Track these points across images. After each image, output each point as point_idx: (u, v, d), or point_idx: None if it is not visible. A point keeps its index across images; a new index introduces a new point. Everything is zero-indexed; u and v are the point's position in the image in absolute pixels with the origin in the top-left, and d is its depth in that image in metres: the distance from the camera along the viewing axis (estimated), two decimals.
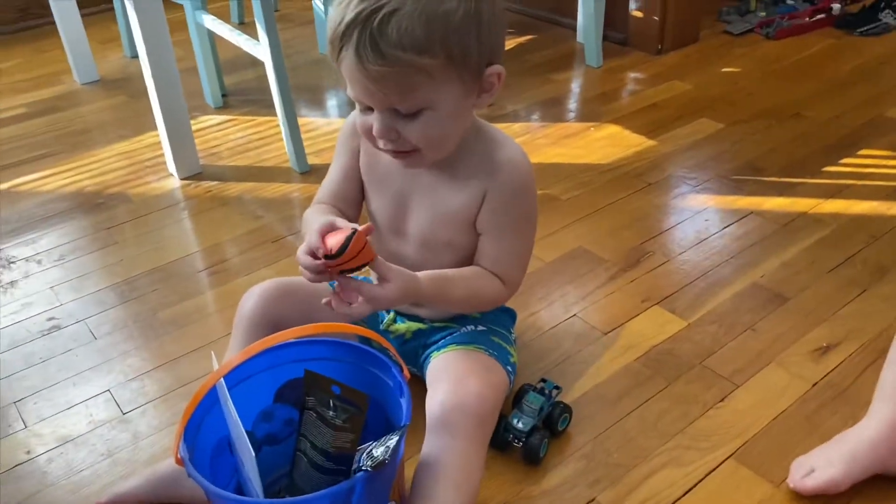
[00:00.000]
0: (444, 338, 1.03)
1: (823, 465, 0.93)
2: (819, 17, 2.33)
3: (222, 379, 0.78)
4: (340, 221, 0.84)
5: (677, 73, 2.09)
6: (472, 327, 1.04)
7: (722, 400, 1.09)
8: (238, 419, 0.80)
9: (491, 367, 0.98)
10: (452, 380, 0.94)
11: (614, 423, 1.06)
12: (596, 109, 1.93)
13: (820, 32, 2.31)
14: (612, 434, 1.05)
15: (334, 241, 0.81)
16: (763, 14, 2.36)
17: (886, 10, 2.33)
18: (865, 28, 2.27)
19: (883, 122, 1.81)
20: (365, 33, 0.78)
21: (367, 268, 0.84)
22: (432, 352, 1.03)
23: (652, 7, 2.17)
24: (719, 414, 1.07)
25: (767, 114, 1.86)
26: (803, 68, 2.10)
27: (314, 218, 0.92)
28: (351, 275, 0.84)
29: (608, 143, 1.77)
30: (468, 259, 0.99)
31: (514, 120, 1.89)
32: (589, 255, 1.40)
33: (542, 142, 1.79)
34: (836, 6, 2.36)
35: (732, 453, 1.00)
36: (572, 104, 2.00)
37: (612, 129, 1.83)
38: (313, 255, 0.84)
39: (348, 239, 0.80)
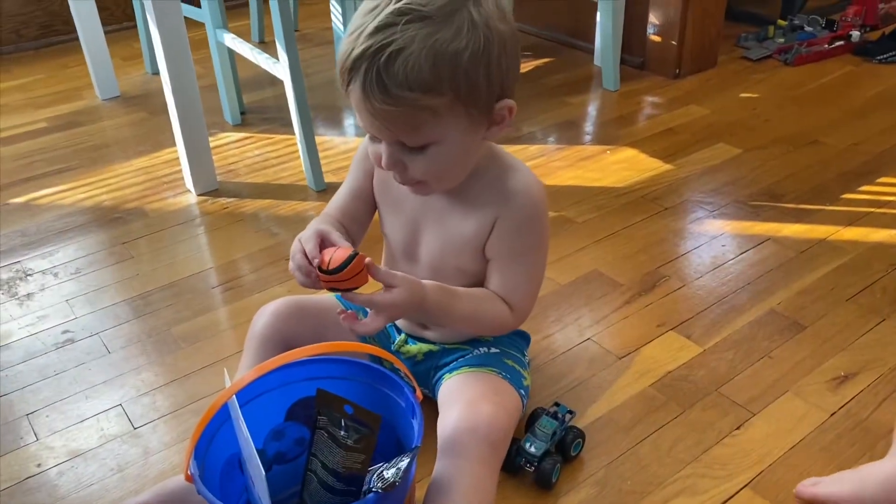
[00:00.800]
0: (456, 360, 1.03)
1: (831, 481, 0.92)
2: (838, 44, 2.33)
3: (234, 396, 0.78)
4: (336, 236, 0.87)
5: (695, 98, 2.09)
6: (485, 349, 1.04)
7: (738, 428, 1.07)
8: (249, 437, 0.79)
9: (504, 390, 0.98)
10: (465, 402, 0.93)
11: (628, 449, 1.05)
12: (612, 133, 1.93)
13: (839, 59, 2.30)
14: (626, 460, 1.03)
15: (335, 256, 0.81)
16: (782, 40, 2.36)
17: None
18: (885, 56, 2.26)
19: None
20: (371, 70, 0.77)
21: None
22: (444, 374, 1.02)
23: (670, 32, 2.17)
24: (735, 442, 1.05)
25: (785, 140, 1.85)
26: (822, 95, 2.09)
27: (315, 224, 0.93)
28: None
29: (624, 166, 1.77)
30: (479, 285, 0.99)
31: (530, 142, 1.90)
32: (604, 279, 1.39)
33: (557, 164, 1.79)
34: (856, 33, 2.35)
35: (748, 482, 0.99)
36: (588, 127, 2.00)
37: (629, 153, 1.82)
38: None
39: (350, 258, 0.81)
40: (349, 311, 0.89)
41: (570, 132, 1.95)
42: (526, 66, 2.32)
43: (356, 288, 0.83)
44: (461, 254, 0.96)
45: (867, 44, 2.34)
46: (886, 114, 1.96)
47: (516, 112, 0.87)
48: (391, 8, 0.78)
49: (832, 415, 1.09)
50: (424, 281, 0.89)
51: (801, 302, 1.31)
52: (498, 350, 1.04)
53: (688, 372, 1.18)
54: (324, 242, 0.87)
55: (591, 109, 2.09)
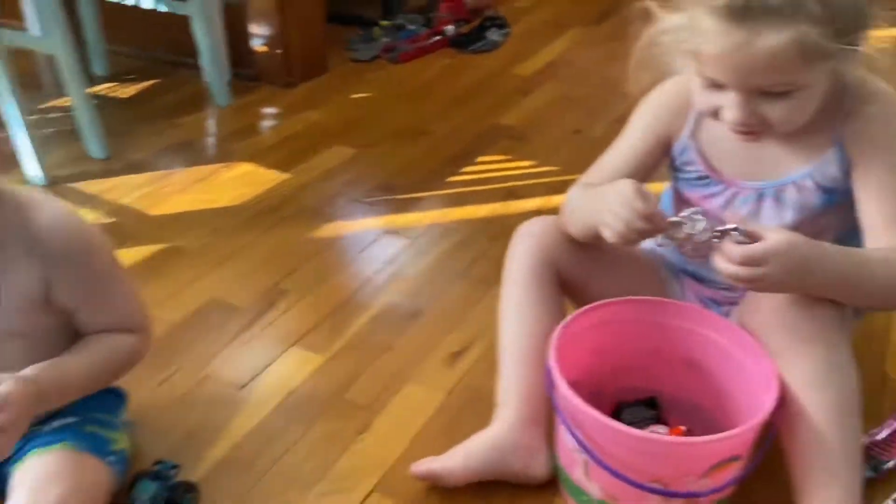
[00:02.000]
0: (22, 446, 0.86)
1: (445, 457, 0.93)
2: (436, 38, 2.48)
3: None
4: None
5: (310, 104, 2.07)
6: (59, 422, 0.88)
7: (362, 432, 1.04)
8: None
9: (81, 464, 0.83)
10: (29, 490, 0.77)
11: (253, 485, 0.97)
12: (227, 149, 1.84)
13: (439, 53, 2.45)
14: (253, 499, 0.95)
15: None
16: (387, 40, 2.45)
17: (492, 28, 2.55)
18: (476, 46, 2.46)
19: (496, 129, 1.95)
20: None
21: None
22: (11, 465, 0.85)
23: (274, 42, 2.14)
24: (360, 448, 1.02)
25: (397, 134, 1.91)
26: (426, 88, 2.21)
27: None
28: None
29: (241, 182, 1.68)
30: (41, 348, 0.84)
31: (138, 171, 1.73)
32: (221, 307, 1.29)
33: (168, 191, 1.65)
34: (450, 28, 2.53)
35: (374, 488, 0.96)
36: (202, 147, 1.88)
37: (246, 168, 1.75)
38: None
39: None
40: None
41: (182, 154, 1.82)
42: (128, 91, 2.13)
43: None
44: (17, 315, 0.83)
45: (461, 36, 2.52)
46: (481, 99, 2.12)
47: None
48: None
49: (450, 393, 1.11)
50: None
51: (418, 287, 1.34)
52: (77, 418, 0.89)
53: (312, 386, 1.13)
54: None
55: (204, 128, 1.98)
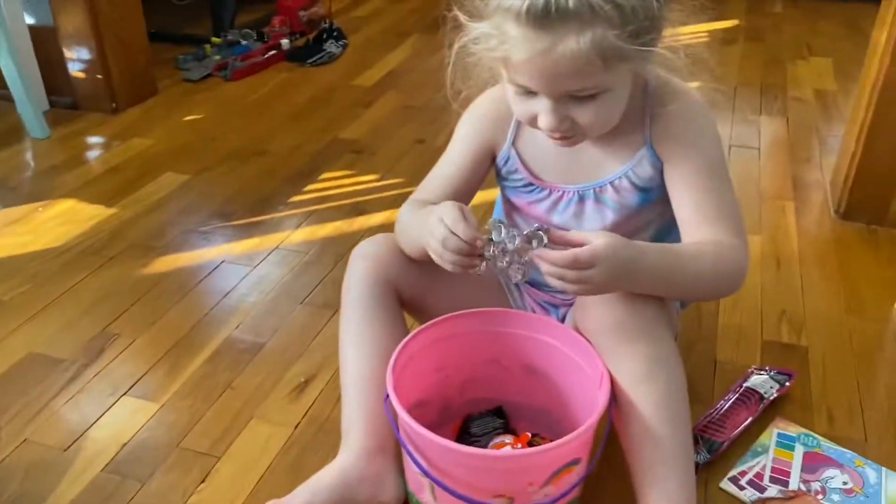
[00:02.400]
0: None
1: (289, 497, 0.88)
2: (271, 53, 2.41)
3: None
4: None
5: (138, 130, 1.96)
6: None
7: (203, 480, 0.98)
8: None
9: None
10: None
11: None
12: (44, 186, 1.70)
13: (275, 68, 2.39)
14: None
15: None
16: (218, 57, 2.36)
17: (329, 40, 2.52)
18: (313, 59, 2.41)
19: (338, 144, 1.91)
20: None
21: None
22: None
23: (93, 67, 2.00)
24: (202, 498, 0.96)
25: (233, 156, 1.84)
26: (263, 104, 2.14)
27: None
28: None
29: (61, 221, 1.56)
30: None
31: None
32: (42, 360, 1.19)
33: None
34: (285, 41, 2.47)
35: None
36: (16, 185, 1.73)
37: (66, 205, 1.62)
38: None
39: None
40: None
41: None
42: None
43: None
44: None
45: (298, 50, 2.47)
46: (321, 113, 2.08)
47: None
48: None
49: (296, 427, 1.07)
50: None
51: (258, 317, 1.29)
52: None
53: (146, 436, 1.05)
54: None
55: (17, 164, 1.82)
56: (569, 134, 0.87)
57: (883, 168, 1.51)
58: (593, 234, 0.81)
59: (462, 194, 1.01)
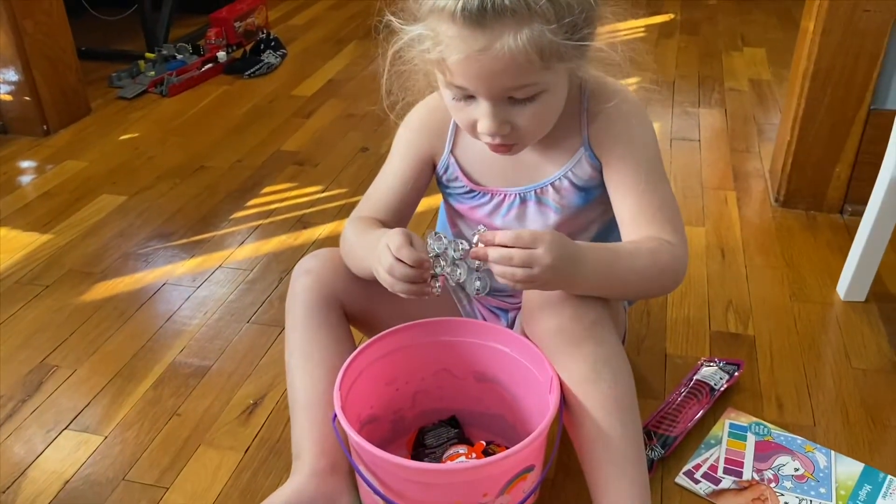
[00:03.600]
0: None
1: None
2: (208, 66, 2.36)
3: None
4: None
5: (71, 152, 1.90)
6: None
7: None
8: None
9: None
10: None
11: None
12: None
13: (213, 81, 2.34)
14: None
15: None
16: (153, 73, 2.30)
17: (268, 51, 2.48)
18: (252, 70, 2.37)
19: (280, 156, 1.88)
20: None
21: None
22: None
23: (21, 88, 1.93)
24: None
25: (172, 174, 1.80)
26: (201, 120, 2.09)
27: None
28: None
29: None
30: None
31: None
32: None
33: None
34: (222, 54, 2.42)
35: None
36: None
37: None
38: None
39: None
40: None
41: None
42: None
43: None
44: None
45: (235, 62, 2.43)
46: (261, 125, 2.05)
47: None
48: None
49: (247, 451, 1.04)
50: None
51: (204, 340, 1.25)
52: None
53: (90, 471, 1.01)
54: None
55: None
56: (508, 141, 0.86)
57: (817, 155, 1.54)
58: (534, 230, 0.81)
59: (405, 205, 1.00)
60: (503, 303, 1.08)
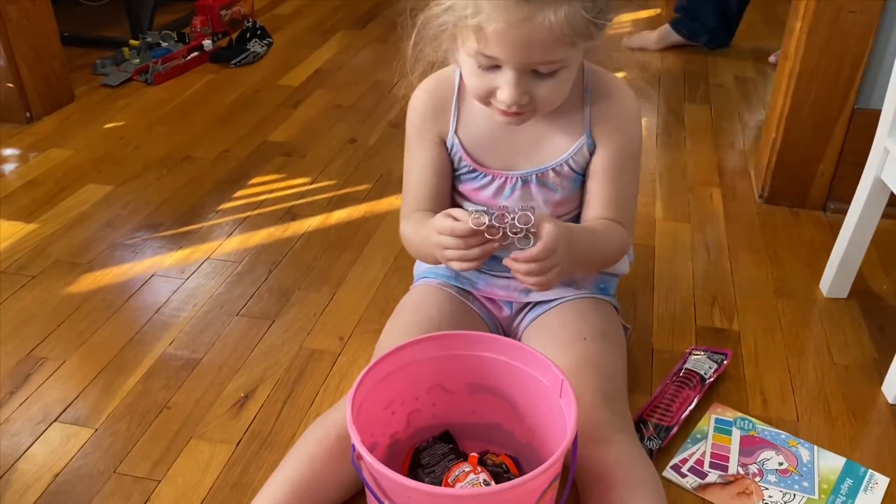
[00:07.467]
0: None
1: None
2: (194, 55, 2.34)
3: None
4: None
5: (55, 140, 1.88)
6: None
7: None
8: None
9: None
10: None
11: None
12: None
13: (198, 70, 2.32)
14: None
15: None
16: (138, 61, 2.28)
17: (254, 40, 2.46)
18: (238, 59, 2.36)
19: (268, 147, 1.87)
20: None
21: None
22: None
23: (4, 74, 1.91)
24: None
25: (158, 164, 1.78)
26: (187, 109, 2.08)
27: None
28: None
29: None
30: None
31: None
32: None
33: None
34: (208, 42, 2.40)
35: None
36: None
37: None
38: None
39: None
40: None
41: None
42: None
43: None
44: None
45: (221, 50, 2.41)
46: (248, 116, 2.03)
47: None
48: None
49: (238, 444, 1.04)
50: None
51: (193, 332, 1.25)
52: None
53: (80, 464, 1.01)
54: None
55: None
56: (524, 110, 0.89)
57: (802, 153, 1.56)
58: (542, 220, 0.84)
59: (441, 190, 1.03)
60: (510, 296, 1.08)
